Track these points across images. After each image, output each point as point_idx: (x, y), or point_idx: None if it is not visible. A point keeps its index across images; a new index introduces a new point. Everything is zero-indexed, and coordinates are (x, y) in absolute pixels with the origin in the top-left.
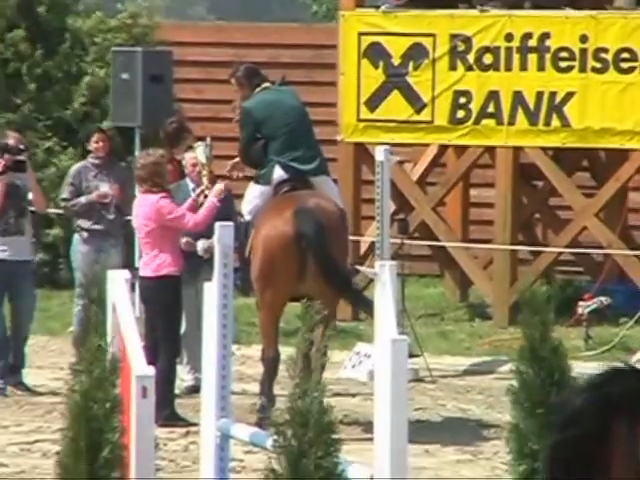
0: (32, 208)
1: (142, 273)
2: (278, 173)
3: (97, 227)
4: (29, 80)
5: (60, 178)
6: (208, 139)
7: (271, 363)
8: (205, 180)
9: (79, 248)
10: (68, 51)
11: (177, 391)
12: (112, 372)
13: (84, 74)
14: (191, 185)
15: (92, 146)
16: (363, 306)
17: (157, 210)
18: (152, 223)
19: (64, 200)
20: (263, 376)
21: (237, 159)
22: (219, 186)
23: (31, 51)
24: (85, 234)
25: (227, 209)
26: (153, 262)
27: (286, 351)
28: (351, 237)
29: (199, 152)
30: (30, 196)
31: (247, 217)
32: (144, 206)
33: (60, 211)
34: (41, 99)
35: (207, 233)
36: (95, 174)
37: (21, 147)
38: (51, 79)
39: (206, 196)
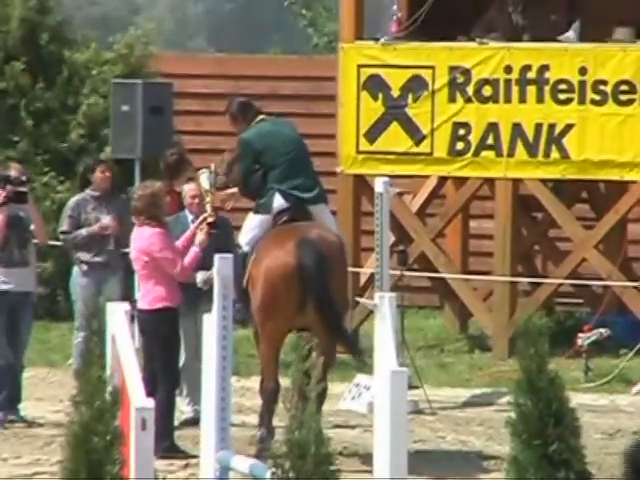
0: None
1: (139, 306)
2: (278, 201)
3: (97, 259)
4: (27, 115)
5: (56, 211)
6: (212, 166)
7: (271, 394)
8: (209, 207)
9: (79, 281)
10: (65, 83)
11: (176, 423)
12: (113, 404)
13: (80, 106)
14: (190, 217)
15: (97, 177)
16: (350, 348)
17: (149, 245)
18: (146, 256)
19: (63, 233)
20: (262, 408)
21: (231, 190)
22: (202, 237)
23: (31, 84)
24: (85, 267)
25: (226, 240)
26: (149, 295)
27: (284, 382)
28: (351, 268)
29: (203, 179)
30: (32, 227)
31: (245, 248)
32: (140, 239)
33: (56, 243)
34: (38, 133)
35: (206, 265)
36: (94, 206)
37: (23, 179)
38: (49, 112)
39: (209, 224)
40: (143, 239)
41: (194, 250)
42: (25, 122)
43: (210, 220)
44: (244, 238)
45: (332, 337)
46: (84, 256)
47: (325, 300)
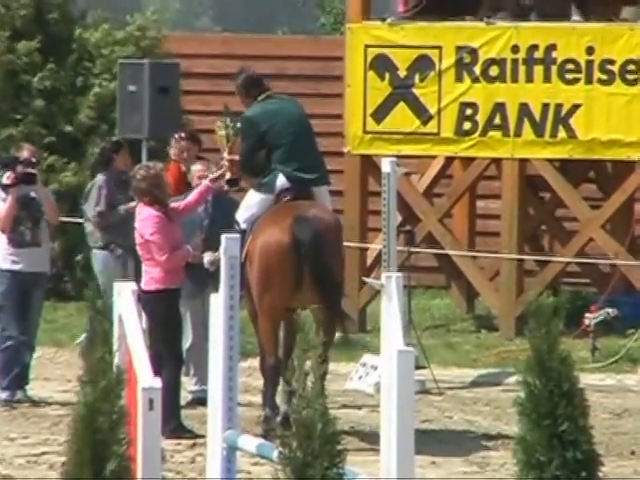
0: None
1: (141, 287)
2: (281, 181)
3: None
4: (36, 93)
5: (62, 194)
6: (226, 120)
7: (272, 371)
8: (226, 163)
9: (112, 265)
10: (75, 63)
11: (184, 403)
12: (118, 384)
13: (90, 87)
14: None
15: (121, 157)
16: (342, 326)
17: (143, 226)
18: (141, 237)
19: (101, 213)
20: (265, 386)
21: (220, 171)
22: (220, 171)
23: (42, 63)
24: (120, 250)
25: (230, 217)
26: (146, 276)
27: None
28: (358, 246)
29: (220, 134)
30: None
31: (243, 225)
32: (138, 220)
33: (64, 220)
34: (47, 112)
35: (213, 245)
36: (117, 187)
37: (33, 160)
38: (58, 92)
39: (228, 182)
40: (140, 220)
41: (205, 184)
42: (33, 101)
43: (227, 177)
44: (242, 215)
45: (330, 313)
46: (117, 239)
47: (322, 276)
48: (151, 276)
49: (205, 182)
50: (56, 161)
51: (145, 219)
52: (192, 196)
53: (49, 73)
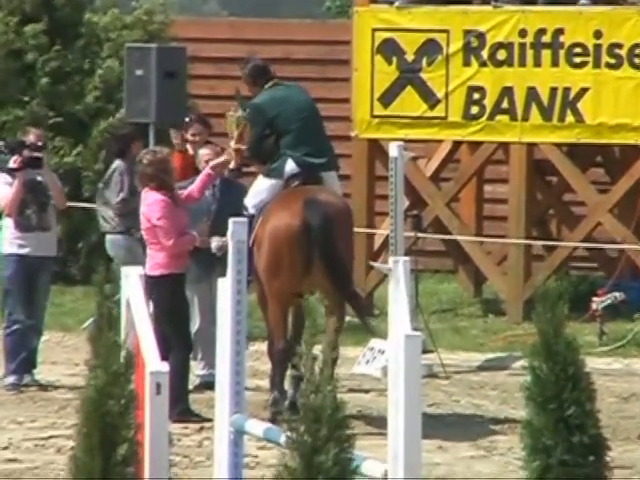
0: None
1: (146, 272)
2: (290, 166)
3: None
4: (42, 74)
5: (64, 175)
6: (235, 110)
7: (282, 355)
8: (232, 151)
9: (134, 248)
10: (83, 46)
11: (191, 387)
12: (127, 368)
13: (97, 69)
14: None
15: (138, 145)
16: (358, 310)
17: (150, 211)
18: (148, 222)
19: (125, 200)
20: (273, 370)
21: (219, 159)
22: (221, 159)
23: (49, 45)
24: (140, 233)
25: (238, 202)
26: (151, 261)
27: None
28: (365, 231)
29: (230, 121)
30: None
31: (251, 210)
32: (144, 206)
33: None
34: (53, 94)
35: (220, 230)
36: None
37: (39, 144)
38: (65, 74)
39: (232, 171)
40: (146, 205)
41: (207, 172)
42: (40, 80)
43: (231, 166)
44: (251, 201)
45: (341, 297)
46: (136, 224)
47: (332, 260)
48: (155, 261)
49: (206, 170)
50: (61, 142)
51: (152, 204)
52: (194, 185)
53: (55, 55)
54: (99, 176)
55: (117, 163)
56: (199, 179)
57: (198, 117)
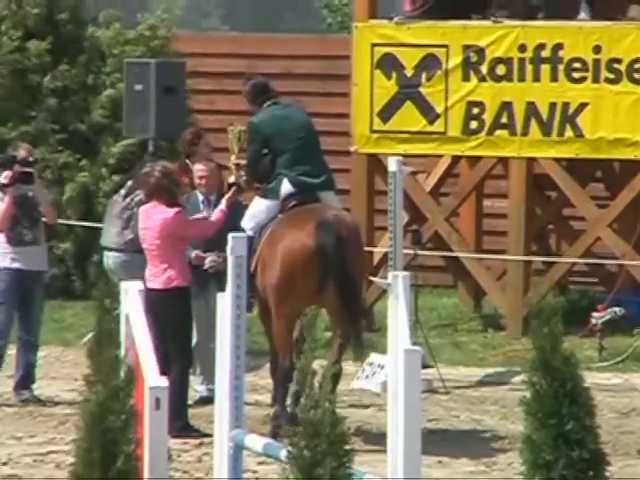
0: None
1: (151, 285)
2: (286, 187)
3: None
4: (48, 92)
5: (80, 194)
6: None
7: (286, 374)
8: (233, 167)
9: (135, 264)
10: (87, 62)
11: (190, 402)
12: (128, 383)
13: (101, 86)
14: (200, 197)
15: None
16: (359, 329)
17: (173, 224)
18: (164, 236)
19: None
20: (276, 388)
21: (230, 193)
22: (228, 196)
23: (53, 63)
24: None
25: (235, 218)
26: (163, 275)
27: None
28: (365, 248)
29: (232, 136)
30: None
31: (249, 232)
32: (157, 219)
33: (75, 223)
34: (58, 110)
35: (217, 247)
36: None
37: (30, 159)
38: (69, 91)
39: (230, 185)
40: (161, 219)
41: (220, 209)
42: (45, 98)
43: (230, 181)
44: (249, 223)
45: (351, 317)
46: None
47: (345, 281)
48: (168, 275)
49: (221, 206)
50: (68, 158)
51: (172, 218)
52: (210, 224)
53: (59, 74)
54: (107, 196)
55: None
56: (215, 215)
57: (196, 134)
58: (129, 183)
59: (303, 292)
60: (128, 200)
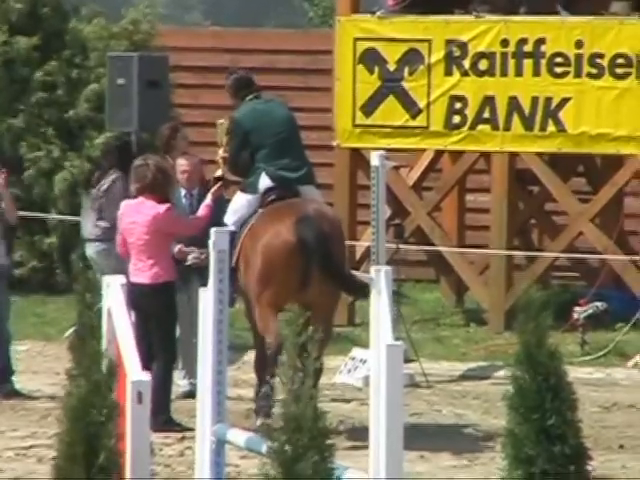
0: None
1: (137, 280)
2: (264, 181)
3: None
4: (34, 85)
5: (69, 183)
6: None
7: (274, 351)
8: (220, 160)
9: (114, 252)
10: (70, 56)
11: (173, 396)
12: (109, 377)
13: (85, 80)
14: (183, 191)
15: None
16: (362, 293)
17: (164, 220)
18: (153, 232)
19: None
20: (264, 371)
21: (215, 187)
22: (213, 191)
23: (38, 57)
24: None
25: (221, 216)
26: (150, 270)
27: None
28: (347, 242)
29: (220, 130)
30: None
31: (232, 227)
32: (147, 214)
33: (61, 217)
34: (44, 104)
35: (200, 241)
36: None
37: None
38: (54, 85)
39: (217, 178)
40: (153, 214)
41: (207, 204)
42: (31, 92)
43: (217, 174)
44: (231, 218)
45: (343, 287)
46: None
47: (330, 272)
48: (155, 270)
49: (207, 201)
50: (55, 149)
51: (163, 214)
52: (197, 219)
53: (45, 71)
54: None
55: (114, 175)
56: (201, 212)
57: (173, 128)
58: (96, 175)
59: (285, 287)
60: (95, 191)
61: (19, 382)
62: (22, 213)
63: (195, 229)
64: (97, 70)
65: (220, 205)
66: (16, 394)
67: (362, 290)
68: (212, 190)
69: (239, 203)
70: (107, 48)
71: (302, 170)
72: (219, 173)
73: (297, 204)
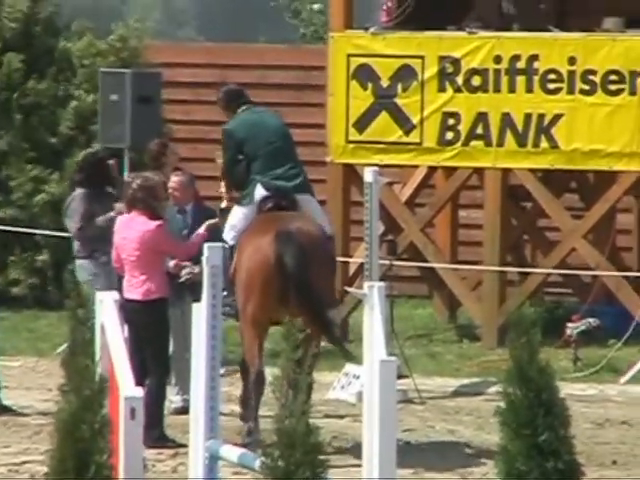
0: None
1: (129, 296)
2: (259, 191)
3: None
4: (17, 108)
5: (50, 204)
6: None
7: (255, 380)
8: (223, 191)
9: (95, 271)
10: (56, 74)
11: (166, 412)
12: (100, 392)
13: (71, 98)
14: (175, 208)
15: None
16: (332, 339)
17: (154, 237)
18: (145, 248)
19: (81, 228)
20: (245, 395)
21: (212, 221)
22: (212, 221)
23: (24, 78)
24: (104, 257)
25: (217, 233)
26: (143, 286)
27: (273, 372)
28: (340, 258)
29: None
30: None
31: (230, 243)
32: (137, 230)
33: (53, 233)
34: (27, 124)
35: (194, 257)
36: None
37: None
38: (39, 105)
39: (222, 211)
40: (142, 231)
41: (201, 234)
42: (15, 113)
43: (222, 206)
44: (229, 234)
45: (315, 328)
46: (102, 247)
47: (305, 292)
48: (148, 287)
49: (201, 230)
50: (40, 172)
51: (154, 231)
52: (188, 247)
53: (29, 91)
54: None
55: (77, 192)
56: (193, 241)
57: (162, 145)
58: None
59: (264, 301)
60: (67, 203)
61: (10, 398)
62: (14, 229)
63: (185, 255)
64: (82, 87)
65: (206, 217)
66: (5, 410)
67: (330, 329)
68: (209, 222)
69: (236, 217)
70: (94, 65)
71: (298, 179)
72: (224, 205)
73: (280, 219)
